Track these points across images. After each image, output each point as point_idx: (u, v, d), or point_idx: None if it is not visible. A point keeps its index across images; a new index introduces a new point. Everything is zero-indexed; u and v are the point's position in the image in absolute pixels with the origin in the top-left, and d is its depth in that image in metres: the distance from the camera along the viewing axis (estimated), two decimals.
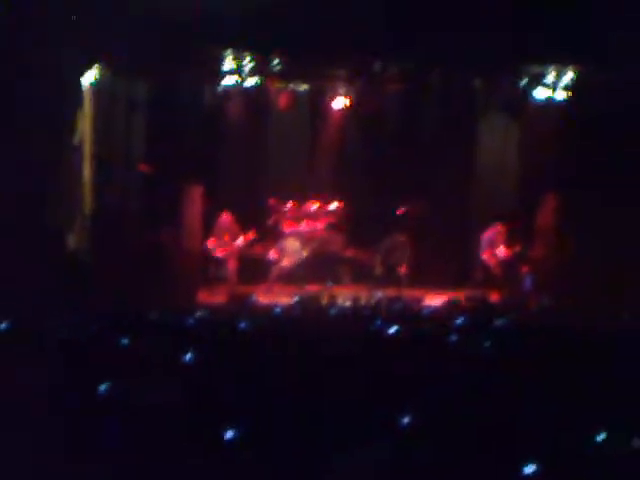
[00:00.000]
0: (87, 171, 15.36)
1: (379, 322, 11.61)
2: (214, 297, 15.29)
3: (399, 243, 17.00)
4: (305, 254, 16.92)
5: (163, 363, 8.48)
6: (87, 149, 15.35)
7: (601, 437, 6.67)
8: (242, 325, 11.06)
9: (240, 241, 16.65)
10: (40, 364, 7.72)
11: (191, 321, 11.35)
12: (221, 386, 7.76)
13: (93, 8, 13.76)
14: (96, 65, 15.24)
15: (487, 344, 10.08)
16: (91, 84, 15.34)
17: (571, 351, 9.44)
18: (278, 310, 12.87)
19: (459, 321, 11.68)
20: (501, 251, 16.91)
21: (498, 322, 12.18)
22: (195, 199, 16.08)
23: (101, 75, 15.41)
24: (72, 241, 14.84)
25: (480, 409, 7.21)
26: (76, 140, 15.05)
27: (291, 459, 6.12)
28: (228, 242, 16.63)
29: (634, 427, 6.78)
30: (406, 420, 6.96)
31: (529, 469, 5.95)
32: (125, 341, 9.32)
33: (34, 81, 13.30)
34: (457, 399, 7.53)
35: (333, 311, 13.36)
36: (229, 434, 6.42)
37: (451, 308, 14.06)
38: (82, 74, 15.10)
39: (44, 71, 13.50)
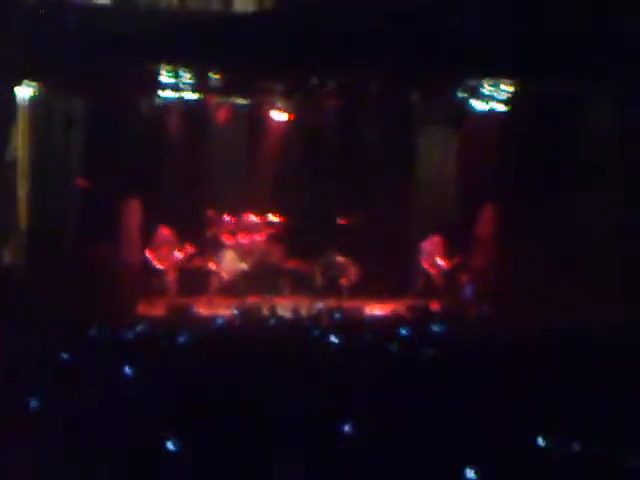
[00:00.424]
0: (22, 187, 15.17)
1: (319, 332, 11.66)
2: (154, 309, 15.20)
3: (339, 255, 17.04)
4: (244, 266, 16.88)
5: (103, 377, 8.43)
6: (22, 165, 15.17)
7: (537, 442, 6.77)
8: (182, 338, 11.01)
9: (179, 254, 16.56)
10: None
11: (131, 335, 11.28)
12: (160, 399, 7.73)
13: (28, 24, 13.66)
14: (31, 81, 15.08)
15: (426, 351, 10.18)
16: (27, 100, 15.17)
17: (507, 358, 9.57)
18: (219, 322, 12.85)
19: (400, 330, 11.76)
20: (440, 261, 17.05)
21: (437, 330, 12.30)
22: (133, 212, 16.00)
23: (37, 91, 15.25)
24: (7, 258, 14.65)
25: (420, 415, 7.27)
26: (9, 156, 14.87)
27: (232, 468, 6.12)
28: (167, 255, 16.54)
29: (570, 432, 6.89)
30: (347, 429, 6.99)
31: (469, 474, 6.02)
32: (65, 356, 9.25)
33: None
34: (398, 406, 7.59)
35: (273, 322, 13.37)
36: (170, 445, 6.40)
37: (392, 317, 14.17)
38: (14, 90, 14.93)
39: None
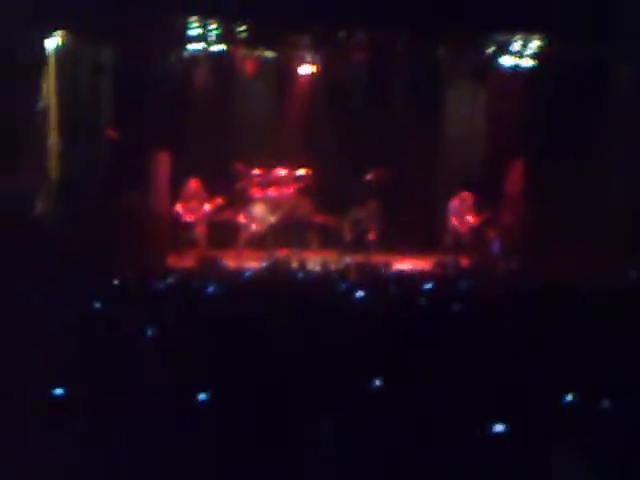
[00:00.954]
0: (53, 137, 15.22)
1: (347, 286, 11.70)
2: (184, 261, 15.30)
3: (368, 209, 17.05)
4: (273, 219, 16.92)
5: (135, 327, 8.50)
6: (52, 115, 15.19)
7: (569, 397, 6.79)
8: (211, 290, 11.09)
9: (208, 206, 16.62)
10: (10, 330, 7.72)
11: (161, 286, 11.37)
12: (192, 350, 7.80)
13: None
14: (60, 30, 15.05)
15: (455, 307, 10.21)
16: (55, 49, 15.16)
17: (537, 312, 9.58)
18: (248, 274, 12.91)
19: (428, 285, 11.79)
20: (469, 217, 17.03)
21: (464, 285, 12.33)
22: (163, 165, 16.05)
23: (65, 40, 15.23)
24: (39, 208, 14.74)
25: (449, 370, 7.30)
26: (41, 106, 14.89)
27: (259, 423, 6.17)
28: (196, 207, 16.61)
29: (600, 386, 6.91)
30: (374, 383, 7.04)
31: (498, 428, 6.06)
32: (97, 305, 9.33)
33: None
34: (426, 361, 7.62)
35: (302, 275, 13.43)
36: (201, 397, 6.47)
37: (420, 273, 14.19)
38: (45, 39, 14.92)
39: (5, 36, 13.32)
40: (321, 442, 5.86)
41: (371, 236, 16.94)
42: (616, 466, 5.58)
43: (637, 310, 9.63)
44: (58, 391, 6.32)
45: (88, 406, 6.15)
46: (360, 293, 10.85)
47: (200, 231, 16.73)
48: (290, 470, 5.53)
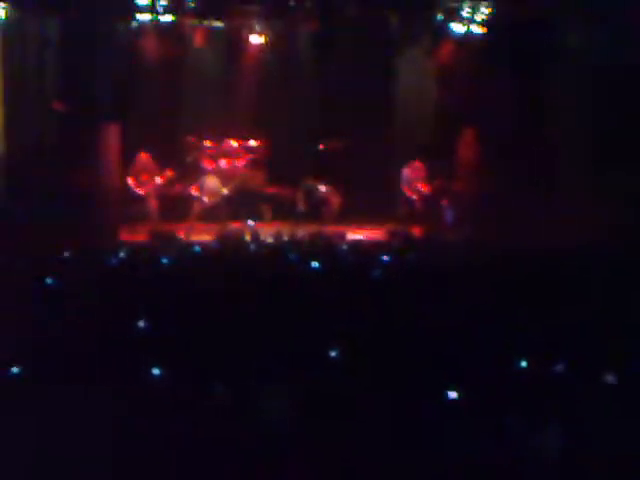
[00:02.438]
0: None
1: (300, 257, 11.71)
2: (136, 235, 15.19)
3: (320, 180, 17.02)
4: (226, 192, 16.81)
5: (85, 301, 8.45)
6: None
7: (519, 364, 6.89)
8: (164, 263, 11.05)
9: (159, 179, 16.49)
10: None
11: (113, 260, 11.30)
12: (143, 322, 7.78)
13: None
14: (5, 2, 14.78)
15: (406, 276, 10.28)
16: (0, 22, 14.89)
17: (486, 281, 9.67)
18: (200, 247, 12.86)
19: (381, 255, 11.84)
20: (421, 186, 17.07)
21: (416, 255, 12.40)
22: (112, 137, 15.85)
23: (10, 12, 14.96)
24: None
25: (400, 338, 7.36)
26: None
27: (216, 393, 6.18)
28: (147, 180, 16.46)
29: (552, 352, 7.00)
30: (332, 352, 7.07)
31: (451, 395, 6.12)
32: (49, 281, 9.26)
33: None
34: (377, 329, 7.67)
35: (255, 247, 13.40)
36: (154, 371, 6.47)
37: (373, 243, 14.24)
38: None
39: None
40: (275, 413, 5.89)
41: (324, 207, 16.91)
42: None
43: (585, 275, 9.79)
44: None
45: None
46: (314, 264, 10.88)
47: (152, 204, 16.58)
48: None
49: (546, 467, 5.45)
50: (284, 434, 5.64)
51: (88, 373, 6.27)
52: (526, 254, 11.45)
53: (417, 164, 17.17)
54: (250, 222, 15.79)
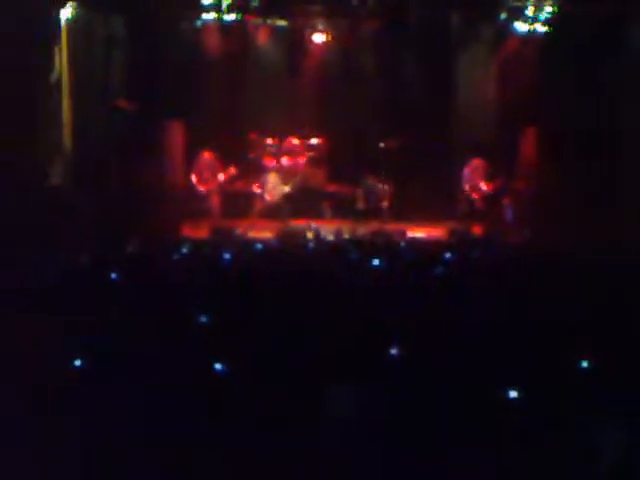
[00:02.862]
0: (66, 108, 15.24)
1: (361, 255, 11.73)
2: (198, 231, 15.36)
3: (381, 178, 17.03)
4: (287, 189, 16.91)
5: (151, 296, 8.57)
6: (66, 86, 15.20)
7: (583, 365, 6.84)
8: (225, 260, 11.14)
9: (222, 176, 16.64)
10: (28, 301, 7.81)
11: (176, 255, 11.43)
12: (207, 320, 7.86)
13: None
14: (72, 1, 15.03)
15: (468, 275, 10.24)
16: (67, 20, 15.14)
17: (549, 282, 9.60)
18: (261, 244, 12.95)
19: (442, 254, 11.81)
20: (482, 185, 16.98)
21: (478, 254, 12.34)
22: (176, 135, 16.06)
23: (77, 11, 15.20)
24: (54, 179, 14.79)
25: (460, 337, 7.35)
26: (54, 77, 14.91)
27: (276, 390, 6.22)
28: (210, 178, 16.62)
29: (612, 356, 6.94)
30: (393, 351, 7.08)
31: (512, 394, 6.11)
32: (114, 275, 9.41)
33: (7, 17, 13.08)
34: (440, 328, 7.66)
35: (315, 245, 13.46)
36: (217, 366, 6.53)
37: (434, 241, 14.20)
38: (58, 10, 14.90)
39: (19, 8, 13.29)
40: (337, 409, 5.92)
41: (385, 205, 16.92)
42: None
43: None
44: None
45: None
46: (374, 262, 10.88)
47: (214, 201, 16.75)
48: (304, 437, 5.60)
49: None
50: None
51: (155, 370, 6.35)
52: (586, 255, 11.35)
53: (478, 162, 17.04)
54: (312, 224, 15.79)
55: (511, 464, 5.38)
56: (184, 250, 11.92)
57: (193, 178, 16.57)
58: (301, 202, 16.79)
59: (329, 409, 5.91)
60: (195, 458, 5.29)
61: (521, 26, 17.02)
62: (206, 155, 16.62)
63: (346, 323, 7.60)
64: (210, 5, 16.44)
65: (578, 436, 5.52)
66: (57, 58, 14.93)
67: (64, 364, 6.38)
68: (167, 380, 6.12)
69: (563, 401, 6.03)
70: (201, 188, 16.62)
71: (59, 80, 15.00)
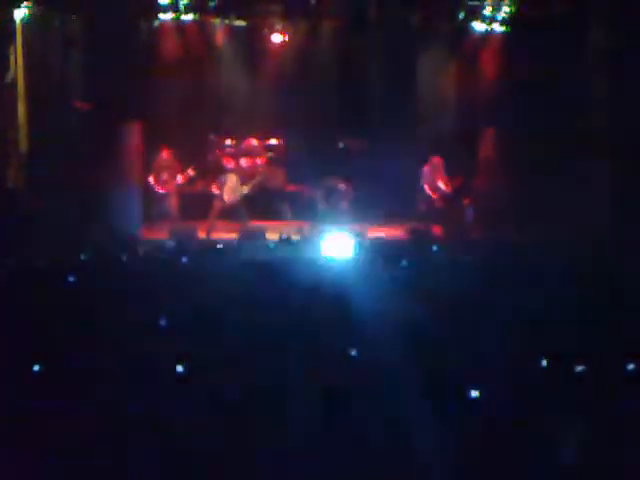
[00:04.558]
0: (21, 109, 15.06)
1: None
2: (156, 233, 15.24)
3: (340, 179, 17.00)
4: (246, 190, 16.79)
5: (107, 297, 8.47)
6: (20, 86, 15.02)
7: (542, 363, 6.85)
8: (184, 261, 11.07)
9: (180, 177, 16.50)
10: None
11: (133, 258, 11.34)
12: (165, 323, 7.79)
13: None
14: (27, 1, 14.86)
15: (427, 275, 10.24)
16: (22, 20, 14.96)
17: (506, 282, 9.63)
18: (221, 246, 12.88)
19: (401, 253, 11.80)
20: (440, 184, 16.96)
21: (437, 254, 12.36)
22: (133, 136, 15.92)
23: (32, 10, 15.03)
24: (9, 181, 14.63)
25: (422, 337, 7.33)
26: (9, 78, 14.73)
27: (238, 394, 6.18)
28: (168, 179, 16.47)
29: (570, 355, 6.97)
30: (353, 352, 7.06)
31: (473, 394, 6.10)
32: (71, 279, 9.30)
33: None
34: (399, 327, 7.65)
35: (274, 246, 13.39)
36: (178, 368, 6.47)
37: (393, 241, 14.20)
38: (12, 10, 14.72)
39: None
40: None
41: (344, 205, 16.88)
42: None
43: (605, 280, 9.72)
44: None
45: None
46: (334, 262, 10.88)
47: (172, 202, 16.58)
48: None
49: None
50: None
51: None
52: (546, 252, 11.41)
53: (436, 160, 16.99)
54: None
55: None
56: (141, 253, 11.82)
57: (151, 179, 16.41)
58: (260, 203, 16.74)
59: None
60: None
61: (479, 26, 17.10)
62: (164, 155, 16.46)
63: (307, 325, 7.58)
64: (167, 5, 16.34)
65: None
66: (12, 58, 14.76)
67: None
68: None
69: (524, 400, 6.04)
70: (159, 189, 16.45)
71: (14, 81, 14.83)
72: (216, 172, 17.09)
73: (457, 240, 14.60)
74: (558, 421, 5.67)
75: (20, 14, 14.90)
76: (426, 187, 17.03)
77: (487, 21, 16.98)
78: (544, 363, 6.84)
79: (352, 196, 16.93)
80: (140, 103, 16.00)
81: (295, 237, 13.89)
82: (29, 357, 6.42)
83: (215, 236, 15.11)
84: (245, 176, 17.05)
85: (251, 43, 17.67)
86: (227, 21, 17.40)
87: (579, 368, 6.67)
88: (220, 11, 16.87)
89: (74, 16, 15.70)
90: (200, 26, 17.14)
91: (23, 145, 15.02)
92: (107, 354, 6.65)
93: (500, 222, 15.54)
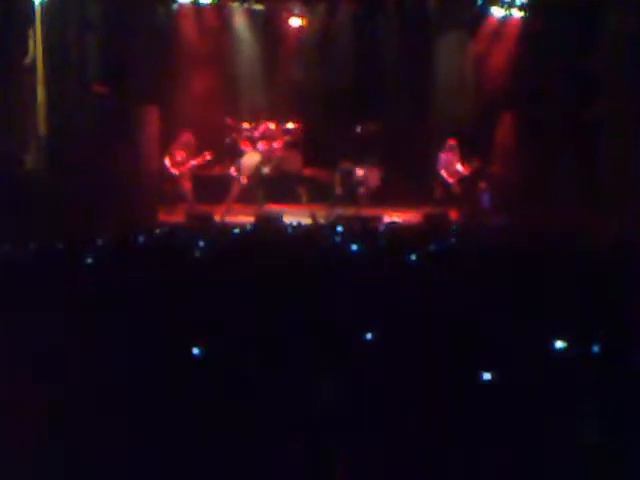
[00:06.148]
0: (41, 92, 15.12)
1: (338, 239, 11.72)
2: (173, 216, 15.30)
3: (358, 162, 16.99)
4: (267, 170, 16.73)
5: (125, 281, 8.52)
6: (39, 69, 15.08)
7: (558, 345, 6.86)
8: (200, 245, 11.09)
9: (197, 160, 16.49)
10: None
11: (150, 240, 11.37)
12: (182, 305, 7.82)
13: None
14: None
15: (443, 261, 10.24)
16: (41, 3, 15.00)
17: (521, 266, 9.62)
18: (237, 229, 12.91)
19: (418, 238, 11.80)
20: (458, 168, 16.93)
21: (454, 240, 12.34)
22: (151, 119, 15.96)
23: None
24: (28, 163, 14.70)
25: (438, 322, 7.36)
26: (28, 60, 14.79)
27: (249, 380, 6.21)
28: (185, 161, 16.47)
29: (589, 337, 6.97)
30: (369, 336, 7.08)
31: (486, 376, 6.13)
32: (89, 260, 9.34)
33: None
34: (415, 314, 7.67)
35: (291, 229, 13.42)
36: (194, 351, 6.50)
37: (410, 226, 14.20)
38: None
39: None
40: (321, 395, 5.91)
41: (362, 189, 16.88)
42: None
43: (624, 266, 9.70)
44: None
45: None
46: (351, 246, 10.87)
47: (188, 185, 16.58)
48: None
49: None
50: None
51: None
52: (562, 239, 11.37)
53: (454, 144, 16.94)
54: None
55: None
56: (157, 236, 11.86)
57: (167, 161, 16.40)
58: (277, 187, 16.75)
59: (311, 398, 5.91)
60: None
61: (498, 11, 17.06)
62: (184, 137, 16.45)
63: (322, 308, 7.61)
64: None
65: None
66: (31, 41, 14.81)
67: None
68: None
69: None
70: (174, 171, 16.44)
71: (33, 63, 14.88)
72: (233, 156, 17.11)
73: (472, 225, 14.59)
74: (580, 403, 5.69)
75: None
76: (443, 172, 17.01)
77: (505, 6, 16.92)
78: (563, 345, 6.85)
79: (378, 181, 16.85)
80: (158, 87, 16.04)
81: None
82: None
83: (231, 219, 15.12)
84: (262, 159, 17.08)
85: (269, 27, 17.68)
86: (246, 5, 17.40)
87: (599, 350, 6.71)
88: None
89: None
90: (218, 9, 17.14)
91: (42, 128, 15.09)
92: None
93: (517, 207, 15.51)
